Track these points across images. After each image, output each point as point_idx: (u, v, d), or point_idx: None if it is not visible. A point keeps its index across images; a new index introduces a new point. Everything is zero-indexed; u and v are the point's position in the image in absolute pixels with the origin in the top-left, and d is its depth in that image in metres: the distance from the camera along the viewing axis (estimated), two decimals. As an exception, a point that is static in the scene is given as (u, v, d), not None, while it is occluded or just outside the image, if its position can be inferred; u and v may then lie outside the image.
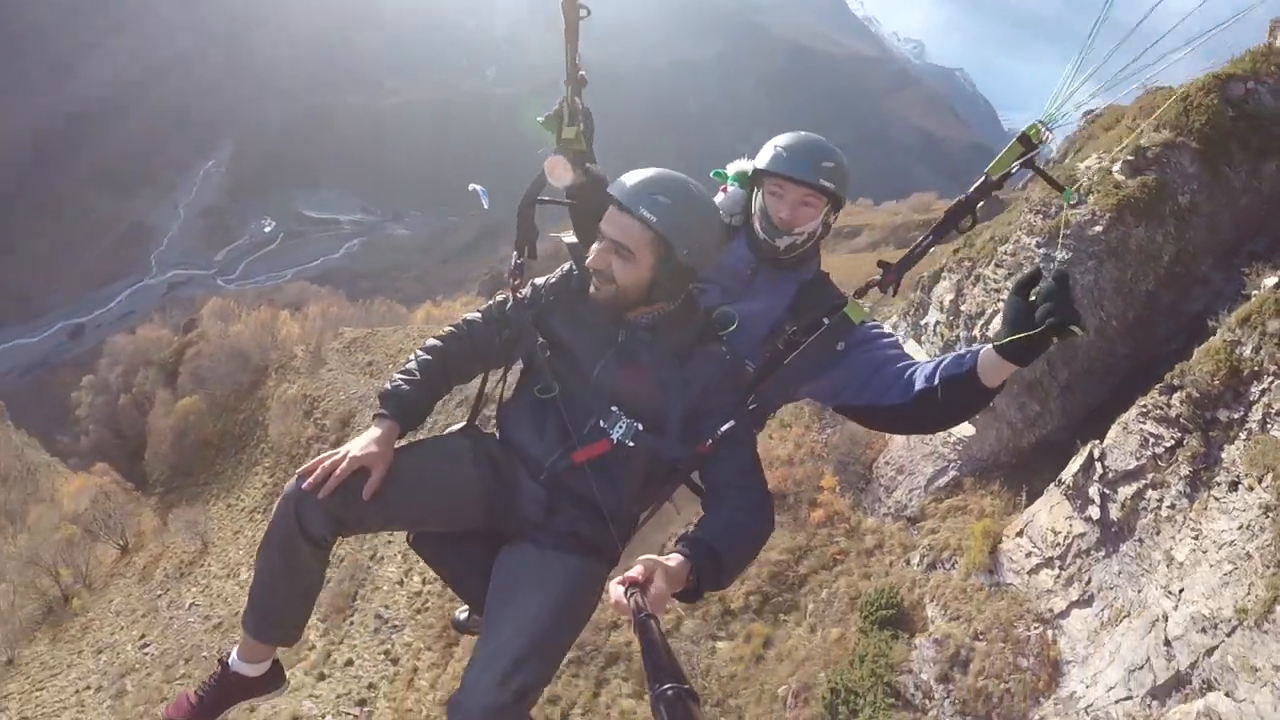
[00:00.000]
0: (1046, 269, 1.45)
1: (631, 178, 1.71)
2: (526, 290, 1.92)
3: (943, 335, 9.82)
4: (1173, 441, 5.29)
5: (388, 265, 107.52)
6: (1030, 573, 6.94)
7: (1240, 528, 4.69)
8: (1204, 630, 4.62)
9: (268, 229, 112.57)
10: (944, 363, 1.71)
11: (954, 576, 7.96)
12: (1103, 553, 6.11)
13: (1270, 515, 4.41)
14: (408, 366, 1.86)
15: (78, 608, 23.13)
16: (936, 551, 8.58)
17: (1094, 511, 6.19)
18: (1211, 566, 4.78)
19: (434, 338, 1.95)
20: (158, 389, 35.02)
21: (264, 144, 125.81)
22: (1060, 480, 6.71)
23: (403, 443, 1.79)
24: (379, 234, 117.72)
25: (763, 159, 2.00)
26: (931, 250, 1.81)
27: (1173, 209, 6.80)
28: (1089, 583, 6.23)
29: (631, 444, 1.71)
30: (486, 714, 1.44)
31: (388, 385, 1.82)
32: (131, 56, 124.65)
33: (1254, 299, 5.29)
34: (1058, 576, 6.58)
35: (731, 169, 2.14)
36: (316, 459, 1.65)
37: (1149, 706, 5.04)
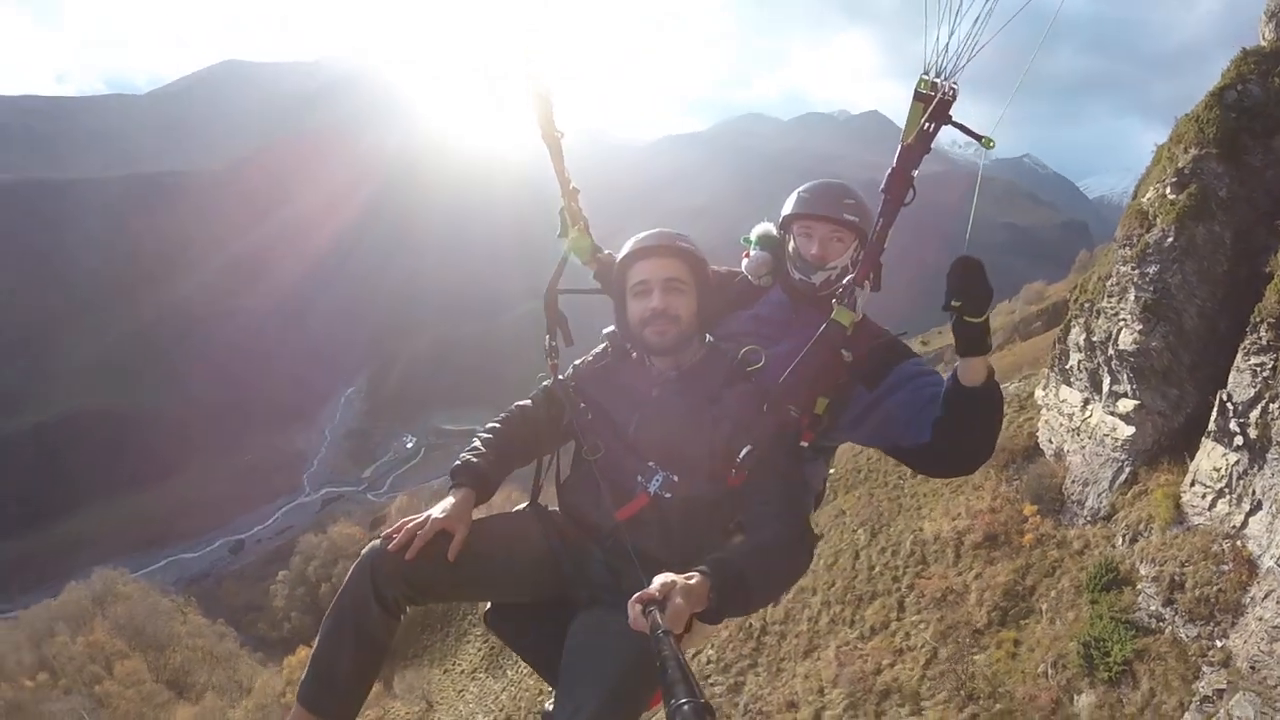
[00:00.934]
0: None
1: (642, 234, 2.05)
2: (567, 370, 2.14)
3: (1085, 369, 12.26)
4: (1273, 363, 7.85)
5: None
6: (1210, 508, 9.11)
7: None
8: None
9: (409, 445, 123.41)
10: (937, 399, 1.87)
11: (1153, 539, 10.03)
12: (1256, 467, 8.39)
13: None
14: (472, 445, 2.03)
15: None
16: (1134, 527, 10.64)
17: (1238, 440, 8.54)
18: None
19: (492, 421, 2.13)
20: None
21: (397, 371, 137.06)
22: (1209, 431, 9.07)
23: (476, 515, 1.89)
24: None
25: (789, 206, 2.25)
26: (888, 235, 1.98)
27: (1218, 202, 9.48)
28: (1254, 493, 8.44)
29: (668, 495, 1.85)
30: None
31: (457, 461, 1.98)
32: (276, 302, 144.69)
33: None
34: (1230, 500, 8.78)
35: (755, 233, 2.34)
36: (399, 522, 1.79)
37: None
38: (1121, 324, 10.70)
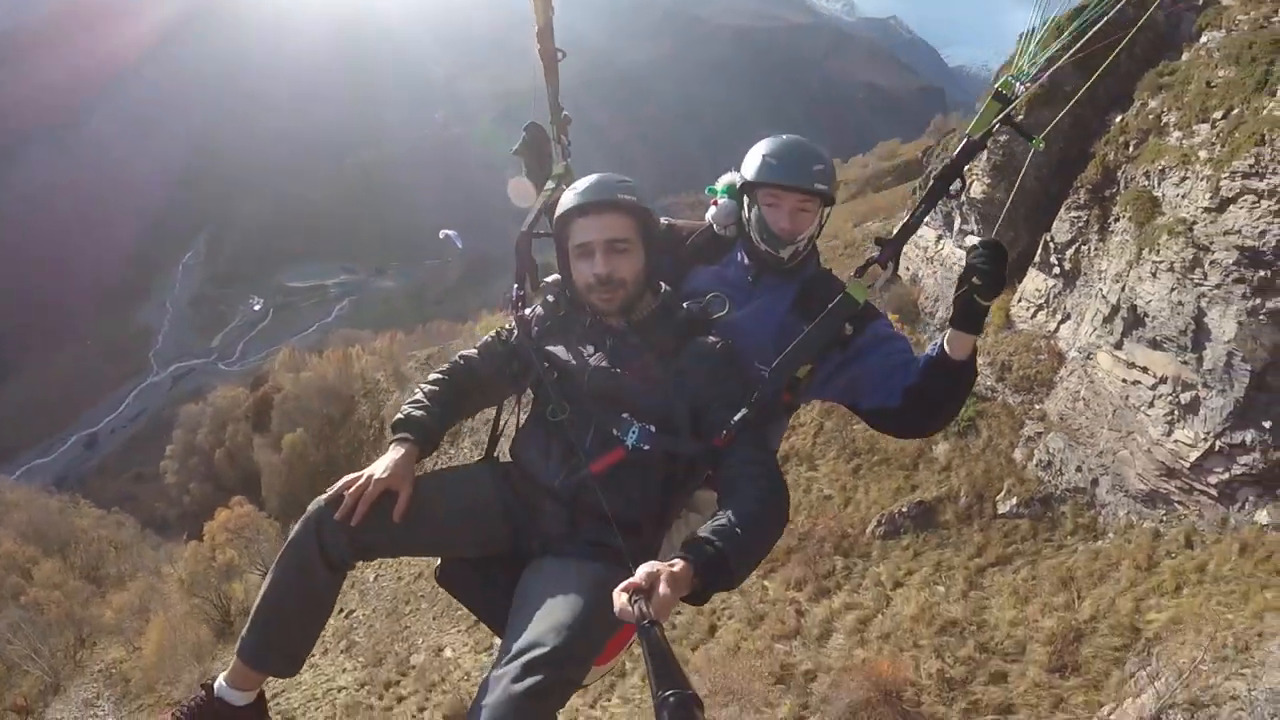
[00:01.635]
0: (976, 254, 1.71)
1: (581, 185, 1.97)
2: (518, 320, 2.07)
3: (940, 212, 15.89)
4: (1086, 216, 11.55)
5: (382, 317, 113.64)
6: (1031, 318, 13.11)
7: (1119, 243, 10.86)
8: (1121, 287, 10.82)
9: (256, 307, 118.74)
10: (919, 361, 1.92)
11: (989, 338, 13.87)
12: (1068, 290, 12.31)
13: (1134, 225, 10.59)
14: (414, 397, 2.00)
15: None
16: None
17: (1056, 270, 12.40)
18: (1114, 264, 10.97)
19: (435, 372, 2.09)
20: (253, 437, 40.59)
21: (236, 231, 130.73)
22: (1034, 262, 12.89)
23: (419, 471, 1.87)
24: (366, 291, 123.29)
25: (751, 170, 2.11)
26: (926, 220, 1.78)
27: (1062, 95, 13.00)
28: (1065, 308, 12.40)
29: (646, 447, 1.81)
30: (499, 710, 1.44)
31: (399, 414, 1.94)
32: (95, 172, 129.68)
33: (1113, 127, 11.51)
34: (1047, 312, 12.76)
35: (721, 182, 2.25)
36: (340, 483, 1.75)
37: (1107, 334, 11.19)
38: (974, 177, 14.16)
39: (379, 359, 41.66)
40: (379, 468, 1.79)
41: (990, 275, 1.72)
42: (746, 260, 2.20)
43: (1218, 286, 8.65)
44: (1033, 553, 10.63)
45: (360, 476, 1.76)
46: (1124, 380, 10.33)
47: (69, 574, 33.34)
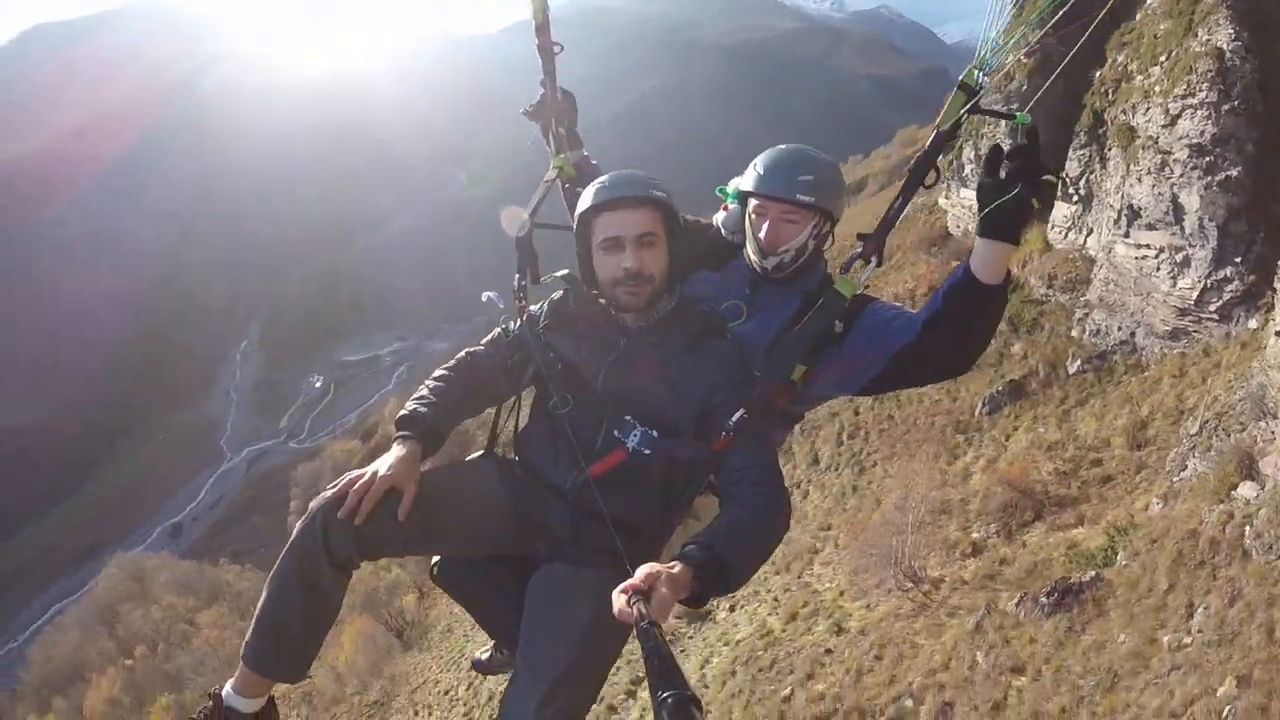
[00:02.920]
0: (1011, 138, 2.69)
1: (609, 180, 1.97)
2: (527, 315, 2.09)
3: (976, 174, 20.53)
4: (1088, 154, 16.16)
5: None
6: (1063, 239, 17.62)
7: (1114, 165, 15.36)
8: (1120, 195, 15.35)
9: (317, 384, 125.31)
10: (941, 289, 1.85)
11: (1034, 260, 18.40)
12: (1086, 212, 16.83)
13: (1121, 150, 15.15)
14: (420, 394, 2.00)
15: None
16: (1022, 258, 19.08)
17: (1075, 199, 16.94)
18: (1113, 181, 15.49)
19: (440, 369, 2.09)
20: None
21: (285, 314, 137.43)
22: (1059, 196, 17.41)
23: (425, 467, 1.89)
24: (421, 355, 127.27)
25: (745, 180, 2.14)
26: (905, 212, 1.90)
27: (1051, 64, 17.66)
28: (1087, 225, 16.88)
29: (647, 451, 1.85)
30: None
31: (403, 411, 1.94)
32: (132, 278, 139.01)
33: (1095, 80, 16.19)
34: (1074, 231, 17.25)
35: (732, 185, 2.24)
36: (343, 480, 1.75)
37: (1118, 231, 15.62)
38: (996, 140, 18.77)
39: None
40: (383, 465, 1.78)
41: (1040, 169, 1.62)
42: (747, 269, 2.18)
43: (1181, 175, 13.24)
44: (1100, 391, 15.07)
45: (364, 474, 1.76)
46: (1136, 258, 14.82)
47: (232, 616, 38.58)
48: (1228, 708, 6.56)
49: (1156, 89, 13.80)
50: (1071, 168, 16.82)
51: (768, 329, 2.09)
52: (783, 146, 2.15)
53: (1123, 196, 14.77)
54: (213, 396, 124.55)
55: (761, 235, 2.07)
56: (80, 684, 35.45)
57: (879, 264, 1.98)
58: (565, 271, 2.10)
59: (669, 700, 1.07)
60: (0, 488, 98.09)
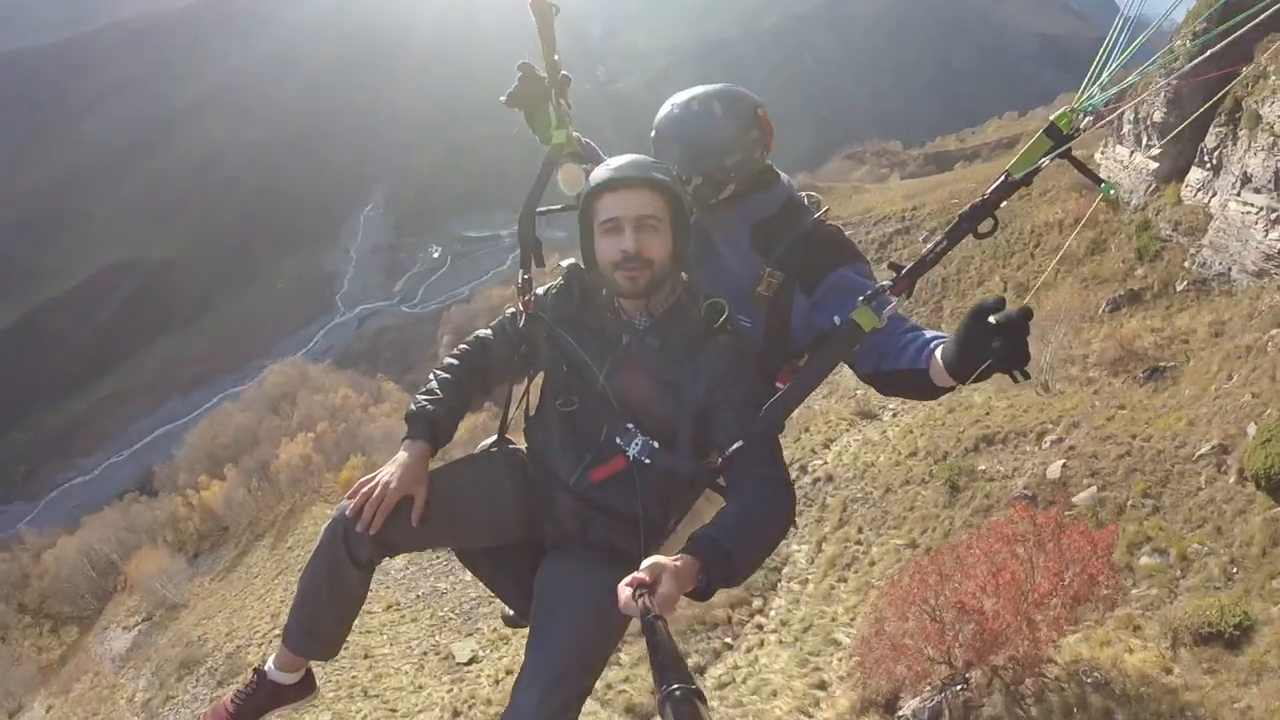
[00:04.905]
0: (1008, 304, 1.57)
1: (615, 162, 2.05)
2: (534, 304, 2.22)
3: (1131, 135, 26.50)
4: (1222, 133, 22.44)
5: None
6: (1193, 197, 23.92)
7: (1240, 143, 21.60)
8: (1240, 165, 21.68)
9: (435, 254, 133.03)
10: (909, 349, 1.93)
11: (1166, 210, 24.68)
12: (1215, 178, 23.13)
13: (1247, 131, 21.40)
14: (429, 386, 2.18)
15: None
16: (1159, 209, 25.29)
17: (1208, 165, 23.18)
18: (1237, 154, 21.72)
19: (449, 357, 2.27)
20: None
21: (413, 183, 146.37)
22: (1193, 164, 23.61)
23: (438, 462, 2.10)
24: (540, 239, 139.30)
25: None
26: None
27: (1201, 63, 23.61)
28: (1214, 188, 23.15)
29: (647, 461, 1.97)
30: None
31: (412, 407, 2.13)
32: (269, 130, 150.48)
33: (1241, 76, 22.31)
34: (1204, 192, 23.55)
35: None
36: (358, 489, 1.99)
37: (1233, 192, 21.92)
38: (1154, 109, 24.97)
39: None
40: (394, 474, 1.98)
41: (1020, 353, 1.54)
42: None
43: (1286, 154, 19.52)
44: (1196, 304, 21.81)
45: (375, 485, 1.97)
46: (1242, 213, 21.20)
47: (400, 411, 47.94)
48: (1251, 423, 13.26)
49: (1280, 85, 20.05)
50: (1209, 141, 22.94)
51: (731, 265, 2.27)
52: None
53: (1241, 166, 21.07)
54: (333, 253, 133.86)
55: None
56: (254, 450, 42.09)
57: (908, 298, 1.94)
58: (571, 261, 2.19)
59: (675, 692, 1.12)
60: (123, 317, 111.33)
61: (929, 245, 1.89)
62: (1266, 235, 20.46)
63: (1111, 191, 2.04)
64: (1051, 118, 1.70)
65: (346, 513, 1.95)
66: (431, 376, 2.21)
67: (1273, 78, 20.62)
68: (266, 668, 2.15)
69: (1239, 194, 21.29)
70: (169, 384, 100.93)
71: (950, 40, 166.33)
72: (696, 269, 2.22)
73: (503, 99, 2.39)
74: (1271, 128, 19.88)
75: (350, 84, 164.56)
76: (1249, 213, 20.93)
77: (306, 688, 2.23)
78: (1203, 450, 13.36)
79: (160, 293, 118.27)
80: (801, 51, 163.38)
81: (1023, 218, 29.71)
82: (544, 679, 1.83)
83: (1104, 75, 1.62)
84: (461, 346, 2.29)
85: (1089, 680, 9.06)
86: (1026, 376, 1.56)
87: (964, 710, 9.11)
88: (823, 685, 12.10)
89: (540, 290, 2.24)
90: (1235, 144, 22.01)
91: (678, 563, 1.52)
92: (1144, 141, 26.46)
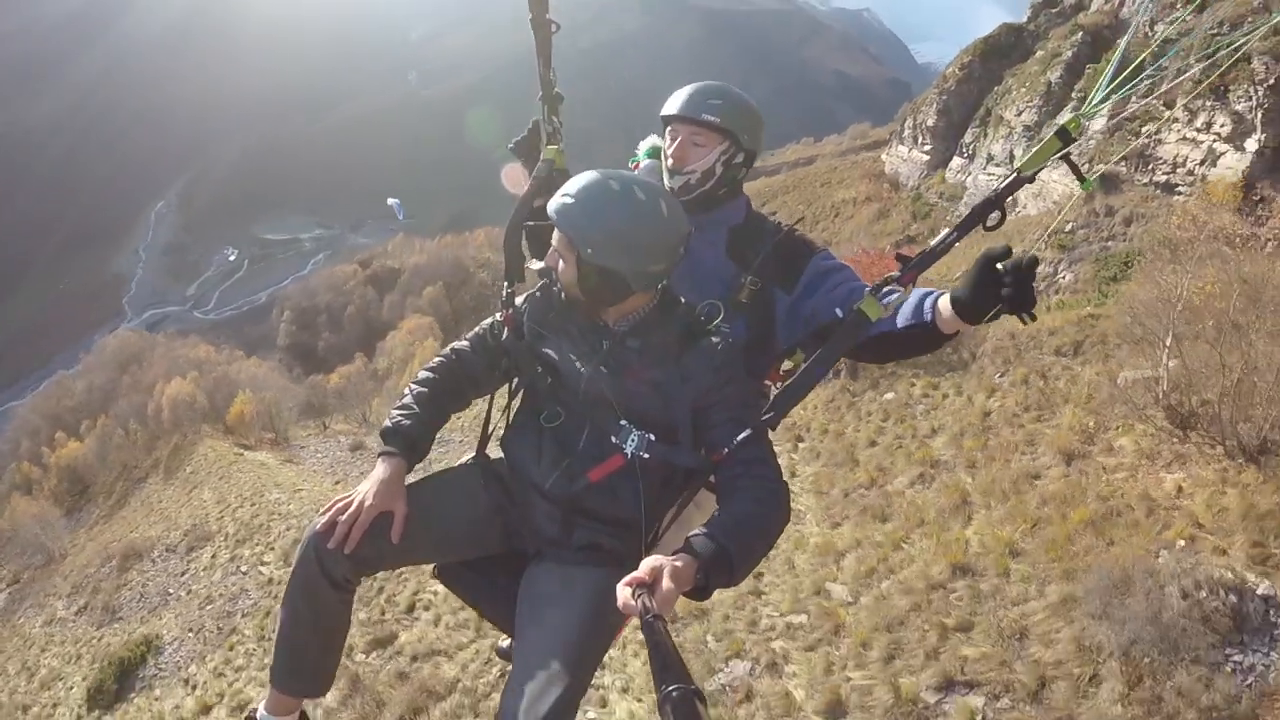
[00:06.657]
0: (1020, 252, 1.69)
1: (573, 184, 1.94)
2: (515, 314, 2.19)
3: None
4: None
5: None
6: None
7: None
8: None
9: (232, 257, 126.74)
10: (905, 308, 1.99)
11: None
12: None
13: None
14: (404, 401, 2.16)
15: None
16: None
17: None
18: None
19: (424, 369, 2.24)
20: (384, 295, 56.87)
21: (210, 181, 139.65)
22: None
23: (412, 477, 2.08)
24: (342, 245, 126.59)
25: (665, 107, 2.31)
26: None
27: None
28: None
29: (646, 455, 1.95)
30: None
31: (388, 422, 2.11)
32: (66, 112, 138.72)
33: None
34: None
35: (642, 147, 2.54)
36: (331, 507, 1.95)
37: None
38: (927, 116, 32.47)
39: (490, 240, 57.55)
40: (371, 492, 1.95)
41: (1028, 297, 1.67)
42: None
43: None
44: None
45: (351, 502, 1.94)
46: (987, 181, 28.67)
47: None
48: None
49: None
50: (967, 137, 30.59)
51: (708, 264, 2.29)
52: (703, 81, 2.30)
53: (987, 150, 28.57)
54: (121, 252, 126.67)
55: (670, 153, 2.25)
56: (129, 398, 40.92)
57: (912, 288, 2.01)
58: (541, 265, 2.12)
59: (674, 693, 1.13)
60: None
61: (939, 237, 1.92)
62: (1003, 195, 27.80)
63: (1090, 188, 2.22)
64: (1061, 123, 1.85)
65: (317, 529, 1.93)
66: (407, 391, 2.20)
67: (1012, 90, 28.32)
68: (259, 714, 2.11)
69: (986, 169, 28.73)
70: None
71: (753, 72, 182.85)
72: (674, 271, 2.10)
73: (510, 146, 2.58)
74: (1009, 123, 27.42)
75: (149, 69, 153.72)
76: (992, 179, 28.36)
77: None
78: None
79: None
80: (617, 72, 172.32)
81: (824, 198, 36.97)
82: (536, 683, 1.77)
83: (1099, 95, 1.82)
84: (438, 359, 2.28)
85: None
86: (1034, 318, 1.70)
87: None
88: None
89: (519, 300, 2.22)
90: (985, 138, 29.55)
91: (677, 562, 1.54)
92: (919, 140, 33.93)
